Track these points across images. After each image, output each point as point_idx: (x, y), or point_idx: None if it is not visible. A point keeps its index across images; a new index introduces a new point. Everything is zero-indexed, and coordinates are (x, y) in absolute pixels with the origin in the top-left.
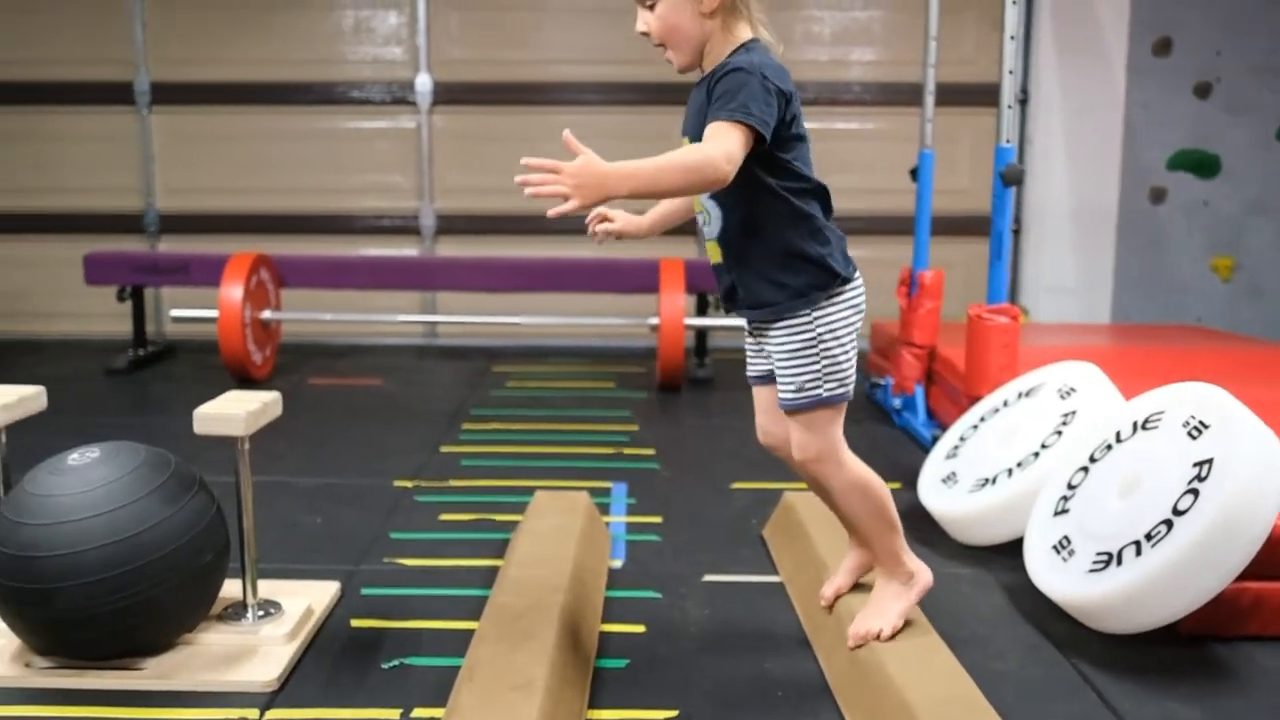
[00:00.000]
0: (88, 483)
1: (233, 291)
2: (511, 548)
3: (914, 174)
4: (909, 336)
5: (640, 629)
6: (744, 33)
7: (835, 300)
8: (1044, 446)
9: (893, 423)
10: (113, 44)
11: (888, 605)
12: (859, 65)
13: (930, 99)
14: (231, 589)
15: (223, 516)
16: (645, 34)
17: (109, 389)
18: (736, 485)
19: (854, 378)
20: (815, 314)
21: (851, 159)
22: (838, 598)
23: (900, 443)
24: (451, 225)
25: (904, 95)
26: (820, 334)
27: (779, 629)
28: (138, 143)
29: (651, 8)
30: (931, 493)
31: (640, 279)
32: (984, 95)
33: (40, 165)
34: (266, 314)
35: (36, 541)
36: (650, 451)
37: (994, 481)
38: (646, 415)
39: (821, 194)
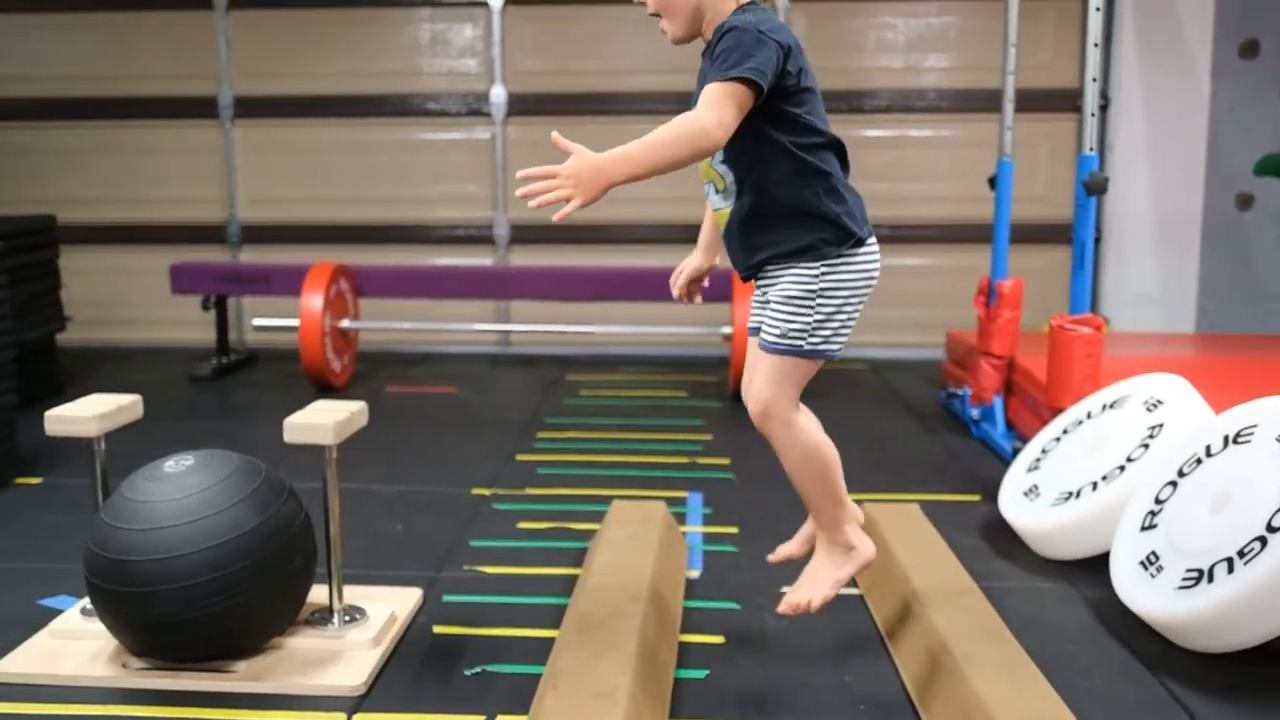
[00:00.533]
0: (183, 489)
1: (313, 301)
2: (589, 557)
3: (992, 182)
4: (987, 346)
5: (719, 640)
6: None
7: (847, 260)
8: (1130, 460)
9: (970, 433)
10: (198, 60)
11: (821, 575)
12: (934, 72)
13: (1010, 106)
14: (317, 594)
15: (310, 523)
16: (642, 3)
17: (194, 396)
18: None
19: (844, 339)
20: (823, 269)
21: (926, 167)
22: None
23: (978, 454)
24: (525, 235)
25: (980, 102)
26: (823, 288)
27: (859, 641)
28: (221, 155)
29: None
30: (1013, 505)
31: (713, 288)
32: (1063, 101)
33: (128, 178)
34: (345, 323)
35: (134, 546)
36: (725, 461)
37: (1078, 495)
38: (720, 424)
39: (837, 148)
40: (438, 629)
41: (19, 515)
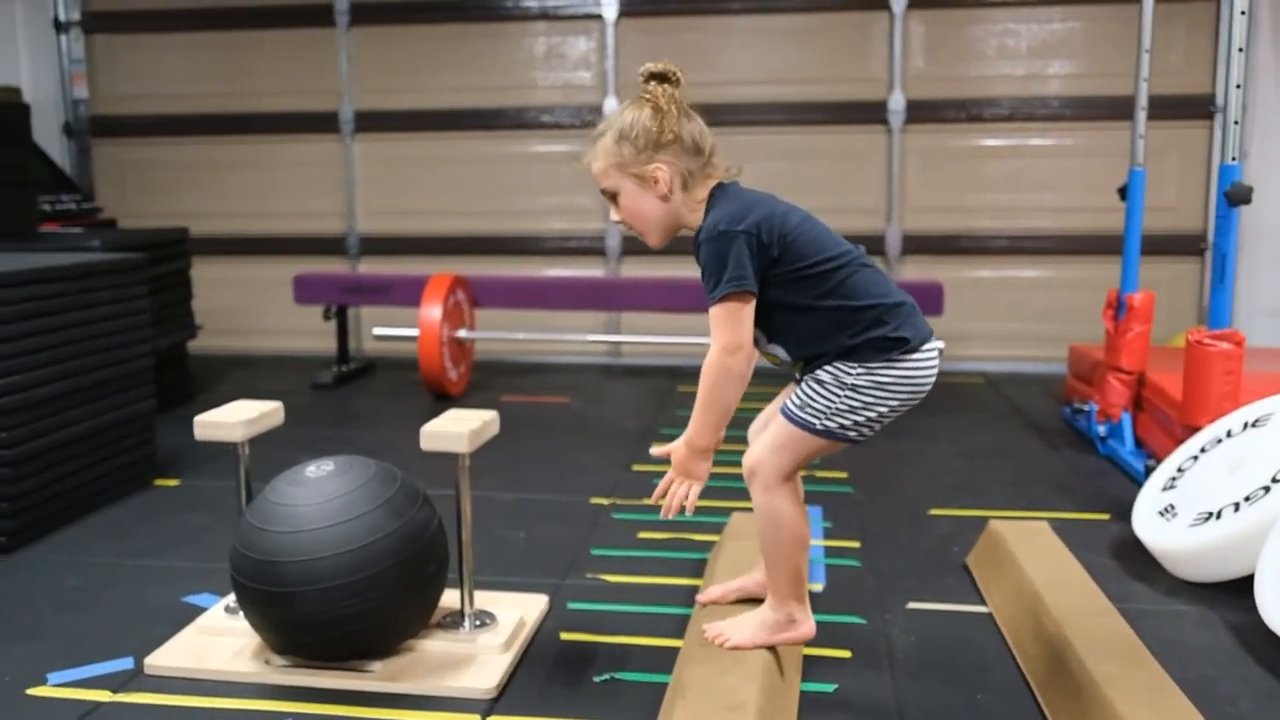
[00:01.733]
0: (324, 494)
1: (432, 311)
2: (710, 569)
3: (1123, 193)
4: (1116, 361)
5: (845, 654)
6: (704, 192)
7: (891, 364)
8: (1275, 480)
9: (1096, 450)
10: (320, 76)
11: (755, 628)
12: (1057, 79)
13: (1142, 114)
14: (448, 598)
15: (443, 529)
16: (619, 222)
17: (317, 402)
18: (934, 511)
19: (863, 434)
20: (861, 370)
21: (1047, 176)
22: (718, 603)
23: (1106, 472)
24: (636, 246)
25: (1105, 109)
26: (856, 385)
27: (991, 661)
28: (341, 169)
29: (615, 199)
30: (1148, 526)
31: None
32: (1194, 108)
33: (253, 191)
34: (462, 333)
35: (280, 548)
36: (842, 475)
37: (1218, 516)
38: None
39: (861, 264)
40: (565, 635)
41: (159, 516)
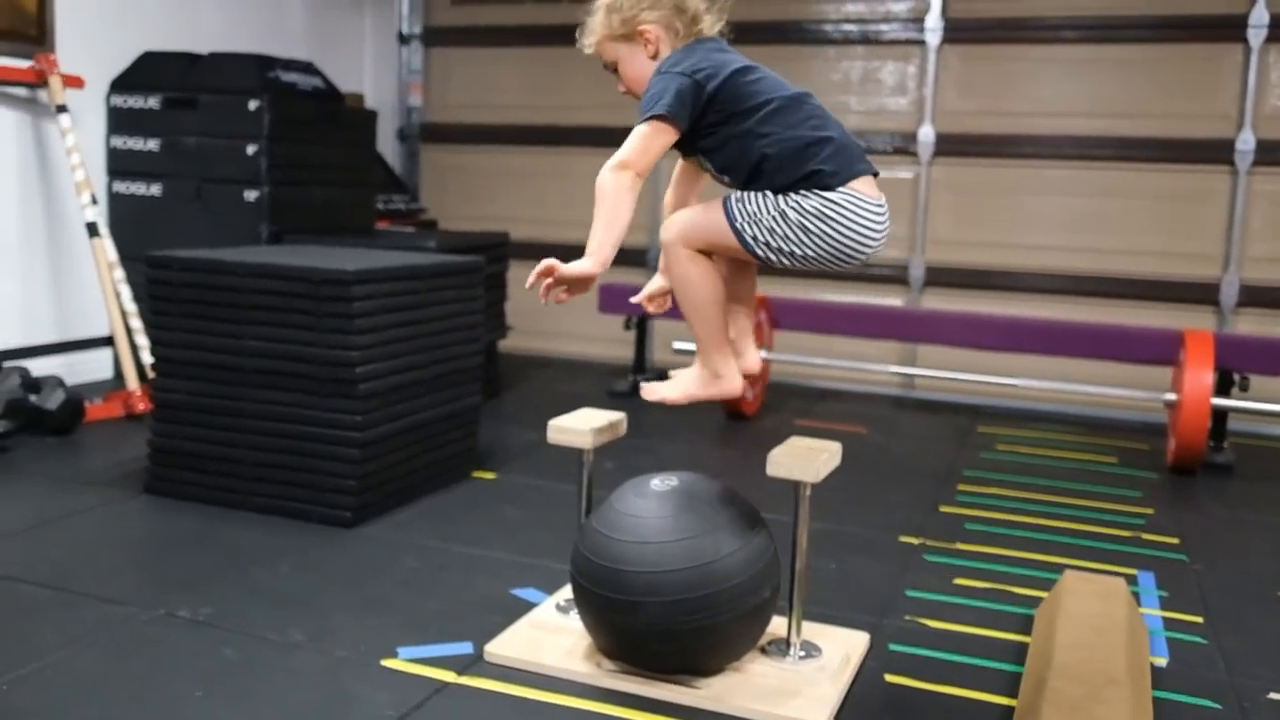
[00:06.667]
0: (669, 508)
1: None
2: (1045, 628)
3: None
4: None
5: None
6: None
7: (811, 195)
8: None
9: None
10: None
11: (683, 380)
12: None
13: None
14: (773, 625)
15: (778, 556)
16: (625, 93)
17: (615, 410)
18: None
19: (770, 259)
20: (796, 196)
21: None
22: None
23: None
24: (939, 277)
25: None
26: (784, 208)
27: None
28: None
29: (615, 70)
30: None
31: (1157, 349)
32: None
33: (561, 200)
34: (761, 353)
35: (626, 557)
36: (1173, 540)
37: None
38: (1160, 499)
39: (790, 99)
40: (889, 678)
41: (480, 507)
